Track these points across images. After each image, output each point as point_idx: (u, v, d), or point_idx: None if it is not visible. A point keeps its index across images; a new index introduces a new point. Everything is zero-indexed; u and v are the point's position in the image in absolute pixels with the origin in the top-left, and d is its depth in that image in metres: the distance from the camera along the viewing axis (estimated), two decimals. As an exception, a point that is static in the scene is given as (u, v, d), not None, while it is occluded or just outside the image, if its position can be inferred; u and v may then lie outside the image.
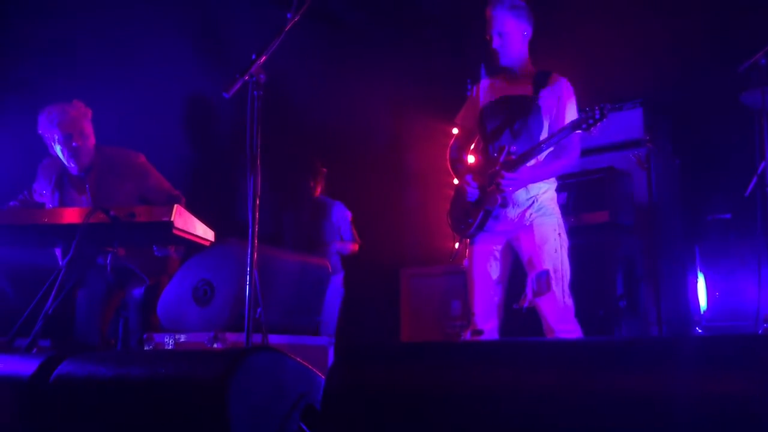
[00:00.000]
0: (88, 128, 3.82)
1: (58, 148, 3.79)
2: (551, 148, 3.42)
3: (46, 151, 3.92)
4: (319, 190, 5.69)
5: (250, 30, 4.92)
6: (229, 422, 1.75)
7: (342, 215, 5.64)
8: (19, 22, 4.84)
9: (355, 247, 5.59)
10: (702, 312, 4.84)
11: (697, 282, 4.92)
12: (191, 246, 3.51)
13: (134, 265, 3.83)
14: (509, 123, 3.52)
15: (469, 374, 1.48)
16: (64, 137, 3.74)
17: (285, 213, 5.77)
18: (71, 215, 3.23)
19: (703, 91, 4.90)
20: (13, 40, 4.83)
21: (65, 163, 3.83)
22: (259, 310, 2.86)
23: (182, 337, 3.39)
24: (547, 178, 3.51)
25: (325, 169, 5.70)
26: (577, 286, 3.42)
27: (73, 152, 3.76)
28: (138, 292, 3.93)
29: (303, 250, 5.22)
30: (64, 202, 3.89)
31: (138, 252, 3.86)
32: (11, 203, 3.91)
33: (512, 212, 3.47)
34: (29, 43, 4.80)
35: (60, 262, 3.80)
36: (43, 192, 3.94)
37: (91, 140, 3.83)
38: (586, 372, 1.30)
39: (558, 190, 3.61)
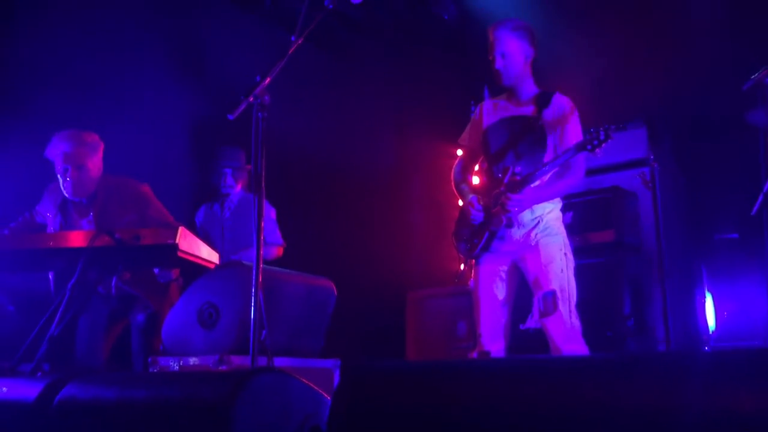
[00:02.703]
0: (92, 162, 3.86)
1: (58, 175, 3.86)
2: (555, 169, 3.42)
3: (52, 175, 3.97)
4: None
5: (252, 52, 4.96)
6: (234, 444, 1.73)
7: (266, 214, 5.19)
8: (29, 45, 4.89)
9: (279, 251, 5.05)
10: (710, 332, 4.80)
11: (705, 301, 4.89)
12: (196, 268, 3.51)
13: (137, 291, 3.83)
14: (513, 144, 3.52)
15: (477, 393, 1.47)
16: (62, 168, 3.81)
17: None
18: (76, 239, 3.23)
19: (708, 110, 4.90)
20: (21, 63, 4.88)
21: (64, 190, 3.87)
22: (264, 332, 2.85)
23: (187, 361, 3.37)
24: (552, 199, 3.50)
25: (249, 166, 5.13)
26: (583, 306, 3.40)
27: (68, 184, 3.82)
28: (141, 317, 3.93)
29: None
30: (65, 226, 3.90)
31: (141, 278, 3.86)
32: (12, 224, 3.93)
33: (517, 233, 3.46)
34: (38, 66, 4.85)
35: (52, 287, 3.79)
36: (46, 214, 3.96)
37: (93, 173, 3.88)
38: (596, 388, 1.29)
39: (563, 209, 3.60)
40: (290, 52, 2.98)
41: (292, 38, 3.00)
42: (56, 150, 3.80)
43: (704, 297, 4.91)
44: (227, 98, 3.01)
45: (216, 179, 4.95)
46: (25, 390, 2.26)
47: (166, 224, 3.91)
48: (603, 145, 3.22)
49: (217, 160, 4.94)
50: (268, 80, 2.90)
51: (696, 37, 4.95)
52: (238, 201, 5.02)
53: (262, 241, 4.78)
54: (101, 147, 3.93)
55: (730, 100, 4.12)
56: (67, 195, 3.88)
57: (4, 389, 2.33)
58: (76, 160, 3.80)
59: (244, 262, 4.42)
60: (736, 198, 4.69)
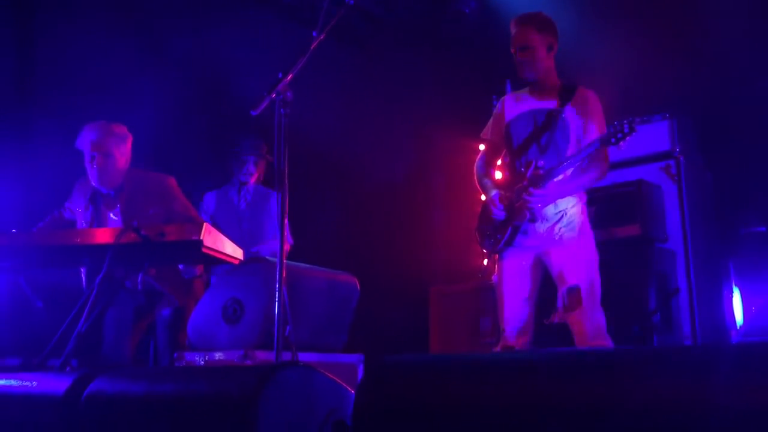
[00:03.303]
0: (119, 151, 3.91)
1: (86, 165, 3.93)
2: (579, 162, 3.39)
3: (80, 172, 4.04)
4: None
5: (272, 48, 4.98)
6: (260, 438, 1.74)
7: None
8: (53, 45, 4.97)
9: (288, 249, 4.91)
10: (738, 327, 4.74)
11: (732, 296, 4.83)
12: (220, 264, 3.53)
13: (162, 286, 3.86)
14: (536, 137, 3.50)
15: (501, 386, 1.46)
16: (89, 156, 3.87)
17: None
18: (103, 235, 3.27)
19: (734, 102, 4.84)
20: (47, 65, 4.97)
21: (91, 180, 3.94)
22: (288, 327, 2.86)
23: (213, 356, 3.39)
24: (575, 193, 3.48)
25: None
26: (608, 300, 3.37)
27: (94, 171, 3.88)
28: (166, 312, 3.97)
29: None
30: (96, 219, 3.97)
31: (166, 274, 3.90)
32: (40, 224, 4.00)
33: (541, 227, 3.44)
34: (62, 66, 4.93)
35: (84, 282, 3.86)
36: (76, 209, 4.02)
37: (120, 163, 3.92)
38: (622, 381, 1.28)
39: (587, 203, 3.57)
40: (312, 47, 2.98)
41: (314, 34, 3.00)
42: (85, 139, 3.88)
43: (731, 292, 4.85)
44: (249, 95, 3.02)
45: (237, 166, 4.91)
46: (54, 384, 2.30)
47: (189, 218, 3.95)
48: (627, 138, 3.19)
49: (239, 147, 4.91)
50: (290, 77, 2.91)
51: (722, 29, 4.88)
52: (254, 192, 4.98)
53: (276, 237, 4.84)
54: (129, 139, 3.99)
55: (757, 92, 4.06)
56: (93, 183, 3.93)
57: (34, 383, 2.37)
58: (104, 148, 3.86)
59: (264, 256, 4.47)
60: (763, 191, 4.63)
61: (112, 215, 3.97)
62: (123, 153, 3.94)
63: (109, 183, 3.93)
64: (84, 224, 3.98)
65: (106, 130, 3.90)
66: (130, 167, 4.02)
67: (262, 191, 5.00)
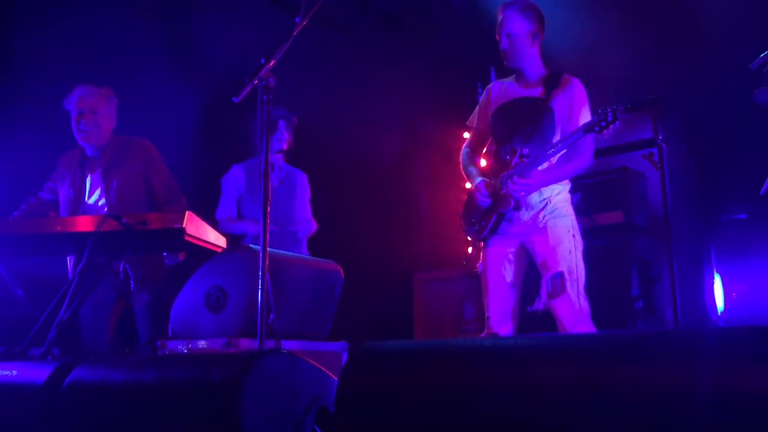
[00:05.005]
0: (105, 111, 4.10)
1: (73, 125, 4.08)
2: (564, 151, 3.40)
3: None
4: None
5: (256, 33, 4.94)
6: (243, 425, 1.74)
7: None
8: (32, 33, 4.91)
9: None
10: (719, 313, 4.79)
11: (713, 282, 4.87)
12: (203, 252, 3.51)
13: (142, 271, 3.85)
14: (521, 125, 3.50)
15: (484, 372, 1.46)
16: (76, 114, 4.05)
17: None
18: (84, 223, 3.23)
19: (716, 89, 4.86)
20: (27, 52, 4.91)
21: (77, 138, 4.08)
22: (272, 316, 2.85)
23: (196, 344, 3.38)
24: (560, 181, 3.49)
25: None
26: (592, 287, 3.39)
27: (81, 130, 4.04)
28: (146, 297, 3.96)
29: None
30: (79, 188, 4.06)
31: (146, 259, 3.90)
32: (15, 213, 4.01)
33: (525, 215, 3.45)
34: (43, 56, 4.88)
35: (69, 270, 3.84)
36: (60, 184, 4.12)
37: (106, 124, 4.10)
38: (605, 366, 1.28)
39: (571, 191, 3.58)
40: (294, 33, 2.96)
41: (296, 20, 2.98)
42: (73, 98, 4.07)
43: (713, 278, 4.89)
44: (231, 81, 3.00)
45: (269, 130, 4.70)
46: (34, 373, 2.28)
47: (170, 186, 4.11)
48: (611, 126, 3.20)
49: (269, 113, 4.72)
50: (272, 63, 2.88)
51: (706, 16, 4.89)
52: (286, 172, 4.75)
53: (307, 219, 4.75)
54: (115, 101, 4.17)
55: (740, 79, 4.08)
56: (80, 142, 4.07)
57: (14, 372, 2.35)
58: (91, 105, 4.05)
59: (299, 234, 4.53)
60: (744, 178, 4.66)
61: (90, 179, 4.07)
62: (109, 112, 4.12)
63: (96, 141, 4.06)
64: (66, 202, 4.02)
65: (93, 90, 4.10)
66: (114, 133, 4.15)
67: (290, 170, 4.79)
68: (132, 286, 3.35)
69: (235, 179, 4.65)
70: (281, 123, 4.61)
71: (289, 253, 3.90)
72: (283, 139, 4.64)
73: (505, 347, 1.55)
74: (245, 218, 4.63)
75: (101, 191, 4.02)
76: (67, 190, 4.06)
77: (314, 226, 4.85)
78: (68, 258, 3.91)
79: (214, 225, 3.58)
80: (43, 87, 4.73)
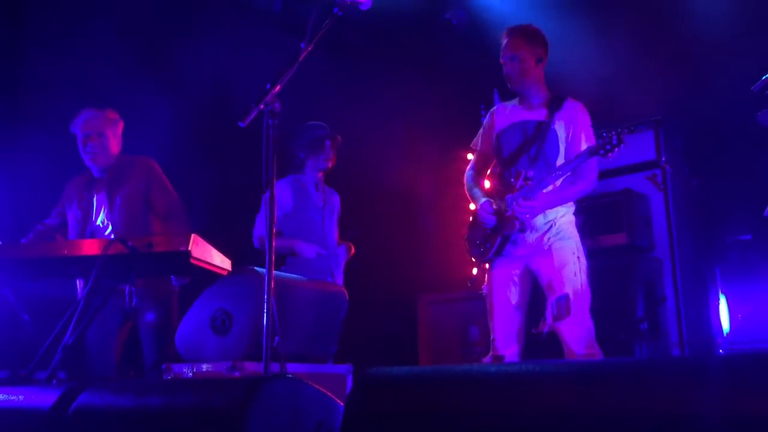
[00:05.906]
0: (111, 132, 4.15)
1: (80, 147, 4.13)
2: (568, 173, 3.42)
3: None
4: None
5: (262, 58, 4.98)
6: (248, 451, 1.74)
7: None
8: (37, 56, 4.97)
9: None
10: (725, 334, 4.77)
11: (718, 304, 4.85)
12: (209, 275, 3.52)
13: (147, 292, 3.86)
14: (526, 148, 3.52)
15: (491, 398, 1.46)
16: (83, 137, 4.10)
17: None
18: (90, 247, 3.25)
19: (719, 111, 4.87)
20: (32, 78, 4.97)
21: (84, 160, 4.12)
22: (276, 338, 2.85)
23: (200, 367, 3.38)
24: (564, 203, 3.50)
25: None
26: (596, 309, 3.38)
27: (87, 153, 4.09)
28: (150, 317, 3.97)
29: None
30: (87, 209, 4.10)
31: (151, 280, 3.91)
32: (23, 240, 4.02)
33: (530, 236, 3.46)
34: (49, 81, 4.94)
35: (79, 293, 3.85)
36: (68, 207, 4.15)
37: (112, 143, 4.15)
38: (611, 393, 1.28)
39: (576, 213, 3.59)
40: (300, 59, 2.99)
41: (302, 45, 3.01)
42: (79, 121, 4.12)
43: (718, 299, 4.88)
44: (238, 106, 3.02)
45: (311, 152, 4.50)
46: (41, 398, 2.28)
47: (171, 201, 4.11)
48: (615, 149, 3.22)
49: (312, 130, 4.54)
50: (278, 87, 2.91)
51: (707, 38, 4.92)
52: (328, 192, 4.64)
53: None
54: (121, 124, 4.22)
55: (742, 101, 4.09)
56: (87, 164, 4.12)
57: (21, 397, 2.35)
58: (97, 128, 4.10)
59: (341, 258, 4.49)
60: (748, 199, 4.66)
61: (96, 199, 4.10)
62: (115, 135, 4.17)
63: (103, 162, 4.11)
64: (74, 223, 4.08)
65: (98, 113, 4.15)
66: (120, 153, 4.19)
67: (328, 189, 4.68)
68: (138, 308, 3.36)
69: (279, 199, 4.40)
70: (327, 143, 4.54)
71: (294, 275, 3.91)
72: (329, 158, 4.56)
73: (512, 374, 1.56)
74: (291, 236, 4.40)
75: (106, 211, 4.05)
76: (75, 211, 4.10)
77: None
78: (78, 280, 3.92)
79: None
80: (47, 112, 4.78)
